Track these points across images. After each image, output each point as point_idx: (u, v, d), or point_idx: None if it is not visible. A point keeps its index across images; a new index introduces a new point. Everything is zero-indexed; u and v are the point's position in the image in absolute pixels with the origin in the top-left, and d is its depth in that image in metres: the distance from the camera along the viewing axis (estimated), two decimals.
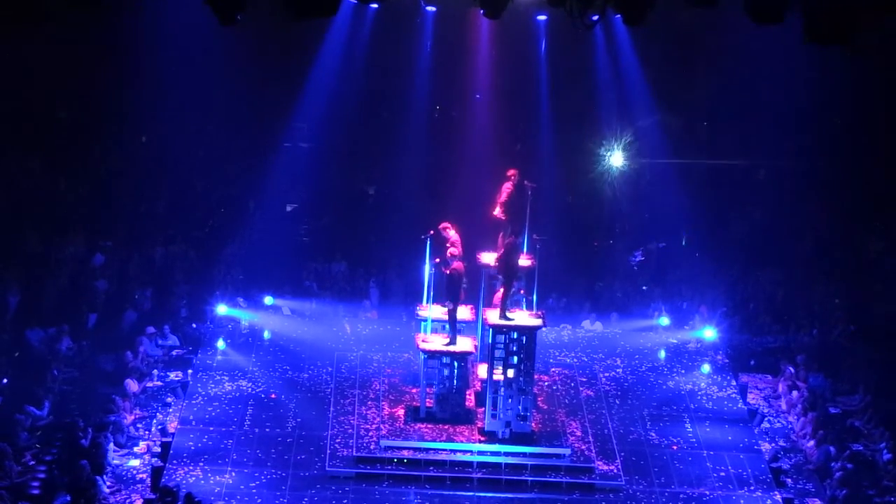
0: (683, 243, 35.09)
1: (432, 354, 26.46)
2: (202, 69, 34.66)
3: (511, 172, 27.28)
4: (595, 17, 20.71)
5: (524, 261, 26.86)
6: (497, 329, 25.98)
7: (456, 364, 26.49)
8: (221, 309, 31.59)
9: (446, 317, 26.54)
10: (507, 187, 27.04)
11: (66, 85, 36.33)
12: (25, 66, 35.09)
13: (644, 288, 34.37)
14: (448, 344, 26.45)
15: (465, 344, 26.63)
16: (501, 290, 26.35)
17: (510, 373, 25.85)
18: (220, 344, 30.20)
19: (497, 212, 26.91)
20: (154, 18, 32.28)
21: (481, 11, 21.55)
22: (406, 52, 36.57)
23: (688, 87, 37.16)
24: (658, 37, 34.12)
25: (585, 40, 34.37)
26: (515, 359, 25.95)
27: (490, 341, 26.15)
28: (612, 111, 36.72)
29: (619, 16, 21.71)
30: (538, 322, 26.22)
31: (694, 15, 30.83)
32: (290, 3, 19.92)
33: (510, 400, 25.92)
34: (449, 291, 26.22)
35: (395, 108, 37.52)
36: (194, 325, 31.43)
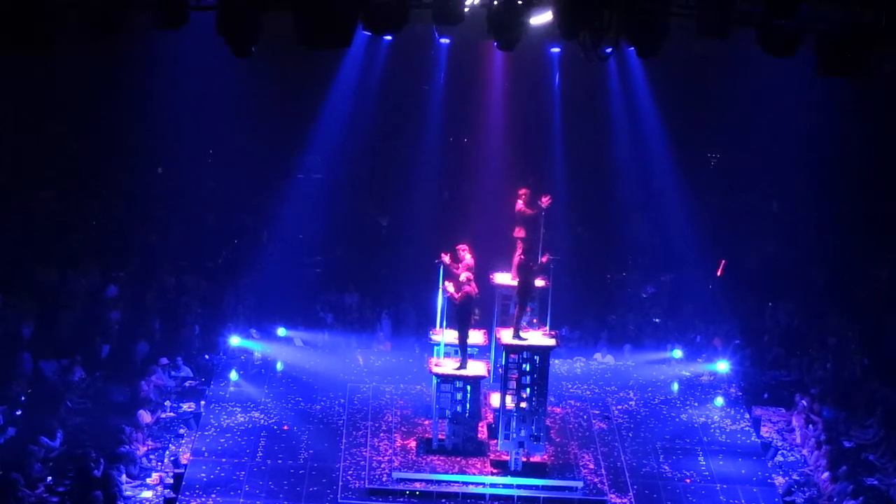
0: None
1: (445, 379, 26.43)
2: (216, 100, 34.75)
3: (522, 191, 27.36)
4: (608, 50, 20.75)
5: (538, 281, 26.87)
6: (510, 349, 25.95)
7: (468, 388, 26.44)
8: (234, 340, 31.61)
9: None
10: (519, 207, 27.14)
11: (80, 116, 36.43)
12: (39, 97, 35.23)
13: (657, 321, 34.34)
14: (459, 368, 26.42)
15: (477, 368, 26.59)
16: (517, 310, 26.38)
17: (524, 394, 25.79)
18: (233, 375, 30.20)
19: (517, 232, 27.05)
20: (169, 50, 32.38)
21: (495, 44, 21.61)
22: (420, 83, 36.64)
23: (700, 118, 37.17)
24: (671, 69, 34.15)
25: (599, 72, 34.41)
26: (528, 379, 25.90)
27: (503, 361, 26.11)
28: (625, 143, 36.77)
29: (632, 48, 21.79)
30: (552, 342, 26.17)
31: (707, 47, 30.98)
32: (304, 35, 19.97)
33: (524, 420, 25.81)
34: (459, 315, 26.23)
35: (408, 139, 37.58)
36: (207, 357, 31.45)
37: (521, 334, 26.08)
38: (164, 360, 30.19)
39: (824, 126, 35.13)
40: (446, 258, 26.42)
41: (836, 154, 36.00)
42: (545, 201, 27.07)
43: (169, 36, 20.73)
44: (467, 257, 26.58)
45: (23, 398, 28.48)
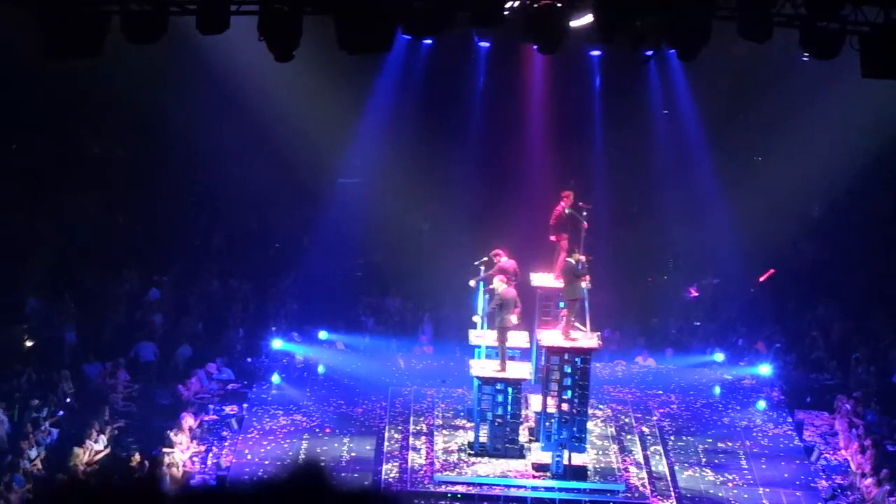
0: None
1: (486, 381, 26.39)
2: (257, 104, 34.79)
3: (565, 194, 27.25)
4: (649, 53, 20.76)
5: (583, 283, 26.78)
6: (552, 351, 25.87)
7: (510, 390, 26.39)
8: (276, 343, 31.72)
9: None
10: (560, 209, 27.05)
11: (121, 121, 36.59)
12: (81, 104, 35.37)
13: (698, 324, 34.23)
14: (499, 370, 26.35)
15: (519, 370, 26.53)
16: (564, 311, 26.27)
17: (565, 396, 25.69)
18: (275, 378, 30.29)
19: (553, 236, 26.95)
20: (209, 55, 32.44)
21: (535, 47, 21.61)
22: (460, 87, 36.61)
23: (742, 121, 37.03)
24: (713, 71, 34.01)
25: (640, 75, 34.33)
26: (570, 381, 25.81)
27: (545, 363, 26.03)
28: (667, 146, 36.65)
29: (673, 51, 21.79)
30: (594, 343, 26.04)
31: (749, 49, 30.88)
32: (345, 39, 20.05)
33: (565, 421, 25.69)
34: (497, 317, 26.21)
35: (449, 143, 37.51)
36: (249, 360, 31.57)
37: (572, 334, 25.97)
38: (213, 366, 30.31)
39: (865, 128, 34.89)
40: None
41: (878, 156, 35.78)
42: (585, 206, 27.01)
43: (210, 41, 20.82)
44: (503, 260, 26.56)
45: (68, 400, 28.65)
